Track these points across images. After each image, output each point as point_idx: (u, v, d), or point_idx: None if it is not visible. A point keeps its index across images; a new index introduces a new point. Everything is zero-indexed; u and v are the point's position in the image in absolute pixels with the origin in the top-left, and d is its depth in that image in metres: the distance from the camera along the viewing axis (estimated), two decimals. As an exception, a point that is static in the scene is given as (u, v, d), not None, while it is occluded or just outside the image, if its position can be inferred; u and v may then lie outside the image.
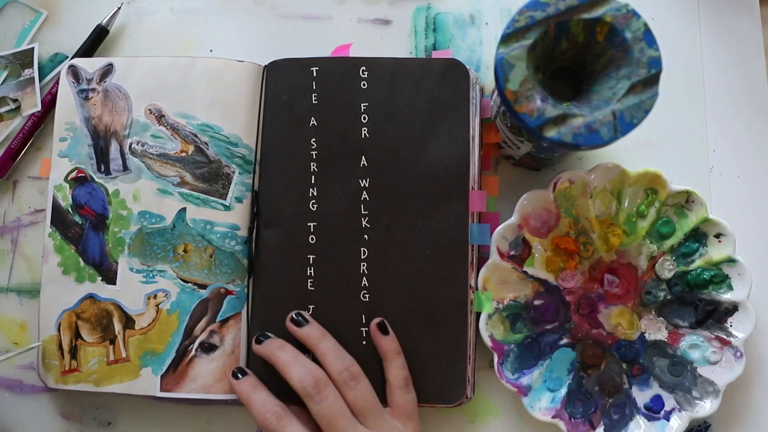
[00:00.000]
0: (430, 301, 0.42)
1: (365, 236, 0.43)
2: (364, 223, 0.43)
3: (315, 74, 0.44)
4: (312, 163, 0.43)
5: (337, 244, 0.43)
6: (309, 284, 0.43)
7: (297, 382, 0.38)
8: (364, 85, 0.44)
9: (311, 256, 0.43)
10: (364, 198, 0.43)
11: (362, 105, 0.43)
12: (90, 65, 0.45)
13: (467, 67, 0.43)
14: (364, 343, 0.42)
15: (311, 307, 0.43)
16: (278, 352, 0.40)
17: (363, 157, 0.43)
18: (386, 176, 0.43)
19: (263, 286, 0.43)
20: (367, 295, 0.43)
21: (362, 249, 0.43)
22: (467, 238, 0.42)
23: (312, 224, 0.43)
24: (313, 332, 0.41)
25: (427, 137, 0.43)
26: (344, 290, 0.43)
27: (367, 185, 0.43)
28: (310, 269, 0.43)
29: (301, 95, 0.44)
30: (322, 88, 0.44)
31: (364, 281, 0.43)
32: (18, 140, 0.47)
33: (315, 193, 0.43)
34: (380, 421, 0.39)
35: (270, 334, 0.41)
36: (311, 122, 0.44)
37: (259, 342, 0.41)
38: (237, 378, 0.40)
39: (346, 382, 0.39)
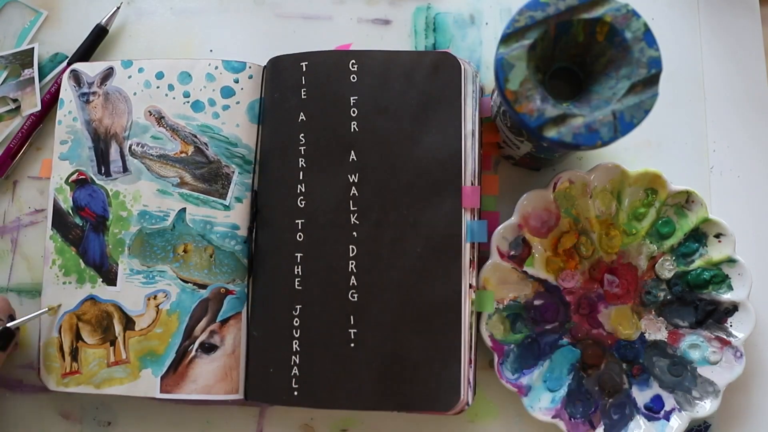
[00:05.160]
0: (421, 300, 0.41)
1: (354, 233, 0.42)
2: (352, 219, 0.42)
3: (304, 69, 0.43)
4: (300, 159, 0.43)
5: (324, 241, 0.42)
6: (296, 283, 0.42)
7: None
8: (353, 78, 0.43)
9: (298, 254, 0.42)
10: (353, 194, 0.42)
11: (351, 99, 0.43)
12: (91, 69, 0.46)
13: (460, 61, 0.42)
14: (352, 345, 0.41)
15: (298, 307, 0.42)
16: None
17: (352, 152, 0.42)
18: (376, 171, 0.42)
19: (259, 285, 0.43)
20: (356, 295, 0.41)
21: (351, 246, 0.42)
22: (461, 235, 0.41)
23: (300, 221, 0.42)
24: None
25: (419, 131, 0.42)
26: (332, 289, 0.42)
27: (356, 180, 0.42)
28: (298, 268, 0.42)
29: (291, 91, 0.43)
30: (311, 82, 0.43)
31: (353, 280, 0.42)
32: (17, 140, 0.47)
33: (303, 190, 0.42)
34: None
35: None
36: (300, 117, 0.43)
37: None
38: None
39: None
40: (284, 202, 0.43)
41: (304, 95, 0.43)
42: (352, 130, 0.43)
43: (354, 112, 0.43)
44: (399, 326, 0.41)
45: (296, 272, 0.42)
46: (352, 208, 0.42)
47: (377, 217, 0.42)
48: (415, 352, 0.40)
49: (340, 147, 0.43)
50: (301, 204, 0.42)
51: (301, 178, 0.43)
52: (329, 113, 0.43)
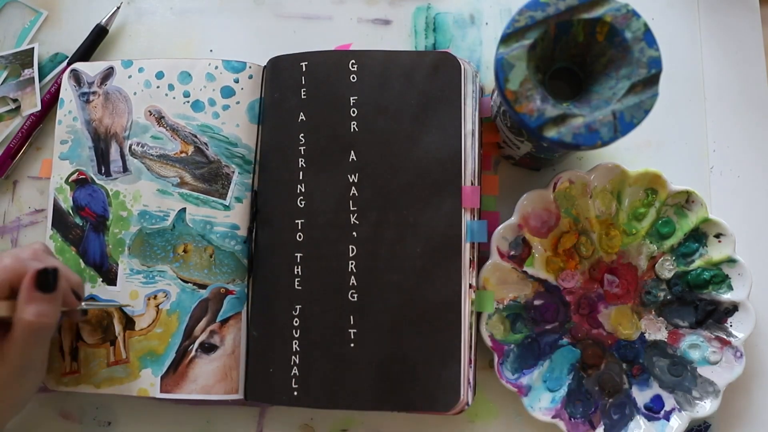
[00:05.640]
0: (421, 301, 0.41)
1: (354, 233, 0.42)
2: (352, 219, 0.42)
3: (304, 69, 0.43)
4: (300, 159, 0.43)
5: (324, 241, 0.42)
6: (296, 283, 0.42)
7: None
8: (353, 78, 0.43)
9: (298, 254, 0.42)
10: (353, 194, 0.42)
11: (351, 99, 0.43)
12: (91, 69, 0.46)
13: (460, 60, 0.42)
14: (352, 345, 0.41)
15: (298, 307, 0.42)
16: None
17: (352, 152, 0.42)
18: (376, 171, 0.42)
19: (259, 285, 0.43)
20: (356, 295, 0.41)
21: (350, 246, 0.42)
22: (461, 235, 0.41)
23: (299, 221, 0.42)
24: None
25: (419, 131, 0.42)
26: (331, 289, 0.41)
27: (356, 180, 0.42)
28: (297, 268, 0.42)
29: (291, 91, 0.44)
30: (311, 82, 0.43)
31: (352, 280, 0.42)
32: (17, 140, 0.47)
33: (303, 190, 0.43)
34: None
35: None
36: (300, 117, 0.43)
37: None
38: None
39: None
40: (284, 202, 0.43)
41: (304, 95, 0.43)
42: (352, 130, 0.43)
43: (354, 112, 0.43)
44: (399, 326, 0.41)
45: (296, 272, 0.42)
46: (351, 208, 0.42)
47: (377, 217, 0.42)
48: (415, 352, 0.40)
49: (339, 147, 0.43)
50: (301, 204, 0.42)
51: (301, 178, 0.43)
52: (329, 113, 0.43)
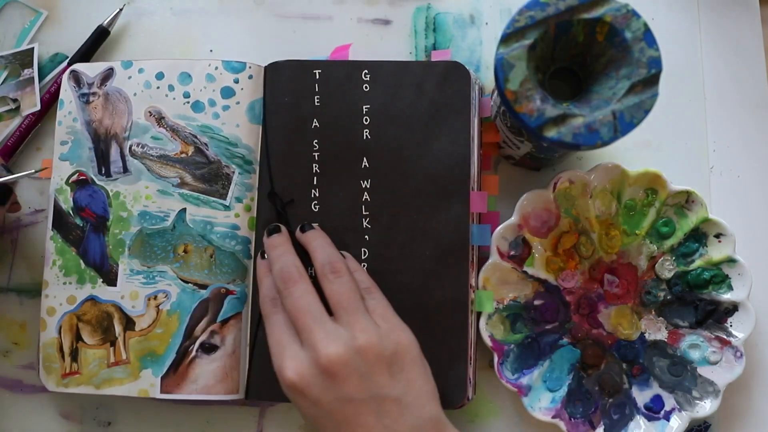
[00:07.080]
0: (430, 302, 0.42)
1: (366, 237, 0.43)
2: (365, 223, 0.43)
3: (318, 76, 0.44)
4: (314, 164, 0.44)
5: (338, 244, 0.42)
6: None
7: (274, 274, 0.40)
8: (366, 87, 0.44)
9: None
10: (366, 199, 0.43)
11: (364, 107, 0.44)
12: (91, 70, 0.45)
13: (468, 70, 0.43)
14: None
15: None
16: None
17: (365, 159, 0.43)
18: (387, 177, 0.43)
19: None
20: None
21: (363, 249, 0.43)
22: (468, 238, 0.42)
23: (314, 225, 0.43)
24: (312, 233, 0.42)
25: (429, 139, 0.43)
26: None
27: (368, 186, 0.43)
28: (311, 269, 0.43)
29: (304, 97, 0.44)
30: (325, 90, 0.44)
31: None
32: (14, 138, 0.47)
33: (317, 194, 0.44)
34: (354, 318, 0.37)
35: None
36: (313, 124, 0.44)
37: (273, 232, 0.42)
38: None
39: (326, 276, 0.39)
40: (298, 206, 0.44)
41: (317, 102, 0.44)
42: (365, 137, 0.44)
43: (366, 120, 0.44)
44: (408, 326, 0.41)
45: (310, 273, 0.42)
46: (364, 213, 0.43)
47: (388, 221, 0.43)
48: (424, 352, 0.41)
49: (353, 154, 0.44)
50: (315, 208, 0.43)
51: (315, 183, 0.44)
52: (342, 121, 0.44)
